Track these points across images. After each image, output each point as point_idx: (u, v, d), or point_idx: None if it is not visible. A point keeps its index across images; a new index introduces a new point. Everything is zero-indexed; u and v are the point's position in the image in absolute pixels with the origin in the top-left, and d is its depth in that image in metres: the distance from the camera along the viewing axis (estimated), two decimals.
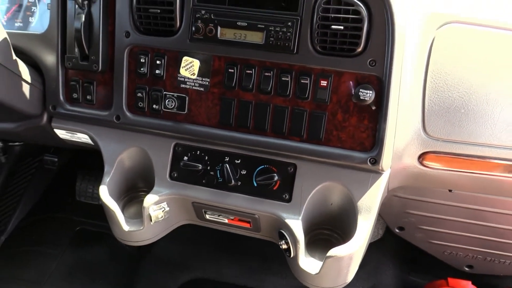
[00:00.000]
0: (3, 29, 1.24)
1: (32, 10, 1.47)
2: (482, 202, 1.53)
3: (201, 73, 1.30)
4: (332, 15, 1.17)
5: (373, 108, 1.20)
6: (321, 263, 1.23)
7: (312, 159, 1.27)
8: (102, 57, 1.37)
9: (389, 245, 2.13)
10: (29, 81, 1.38)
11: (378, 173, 1.24)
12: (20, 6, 1.48)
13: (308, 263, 1.27)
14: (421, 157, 1.28)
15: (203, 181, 1.35)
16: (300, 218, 1.27)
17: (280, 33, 1.22)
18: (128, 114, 1.38)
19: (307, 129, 1.25)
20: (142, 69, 1.34)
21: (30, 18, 1.47)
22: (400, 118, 1.21)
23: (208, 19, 1.26)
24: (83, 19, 1.33)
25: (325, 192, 1.29)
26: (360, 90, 1.17)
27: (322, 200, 1.31)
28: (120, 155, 1.41)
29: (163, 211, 1.36)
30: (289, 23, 1.21)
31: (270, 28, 1.22)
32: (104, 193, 1.38)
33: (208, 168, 1.34)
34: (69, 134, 1.51)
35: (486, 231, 1.68)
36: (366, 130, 1.22)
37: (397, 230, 1.90)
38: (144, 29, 1.33)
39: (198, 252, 2.21)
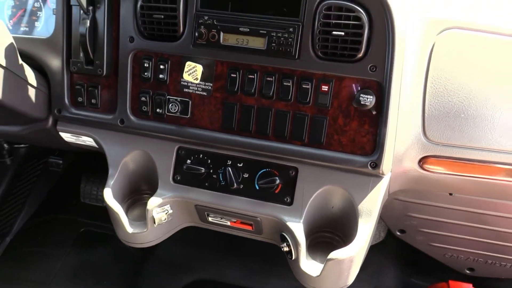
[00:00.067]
0: (9, 34, 1.26)
1: (38, 15, 1.48)
2: (483, 206, 1.53)
3: (204, 78, 1.32)
4: (333, 21, 1.18)
5: (374, 112, 1.20)
6: (322, 265, 1.24)
7: (313, 163, 1.28)
8: (106, 62, 1.38)
9: (391, 247, 2.13)
10: (35, 85, 1.39)
11: (379, 176, 1.25)
12: (26, 11, 1.49)
13: (309, 266, 1.28)
14: (422, 161, 1.28)
15: (206, 184, 1.35)
16: (302, 221, 1.28)
17: (282, 38, 1.23)
18: (132, 118, 1.39)
19: (309, 133, 1.26)
20: (146, 73, 1.35)
21: (35, 23, 1.48)
22: (400, 122, 1.22)
23: (211, 25, 1.28)
24: (88, 24, 1.34)
25: (326, 195, 1.30)
26: (361, 95, 1.18)
27: (323, 203, 1.31)
28: (124, 158, 1.43)
29: (166, 213, 1.37)
30: (291, 29, 1.22)
31: (272, 34, 1.23)
32: (109, 196, 1.39)
33: (211, 171, 1.35)
34: (74, 137, 1.53)
35: (487, 234, 1.68)
36: (366, 134, 1.23)
37: (398, 233, 1.90)
38: (148, 34, 1.34)
39: (200, 254, 2.22)
